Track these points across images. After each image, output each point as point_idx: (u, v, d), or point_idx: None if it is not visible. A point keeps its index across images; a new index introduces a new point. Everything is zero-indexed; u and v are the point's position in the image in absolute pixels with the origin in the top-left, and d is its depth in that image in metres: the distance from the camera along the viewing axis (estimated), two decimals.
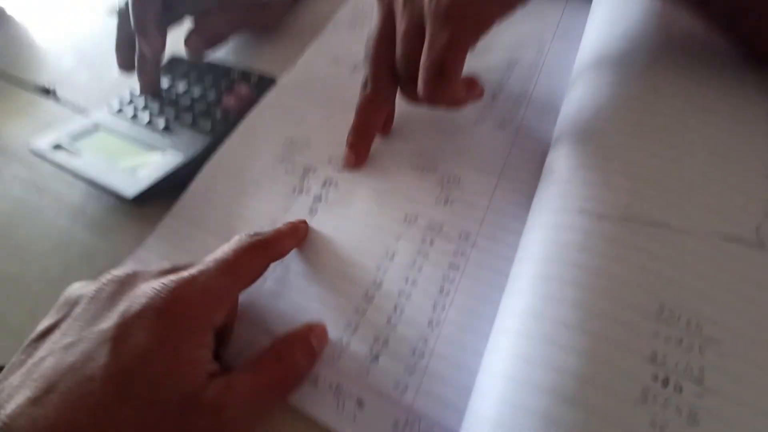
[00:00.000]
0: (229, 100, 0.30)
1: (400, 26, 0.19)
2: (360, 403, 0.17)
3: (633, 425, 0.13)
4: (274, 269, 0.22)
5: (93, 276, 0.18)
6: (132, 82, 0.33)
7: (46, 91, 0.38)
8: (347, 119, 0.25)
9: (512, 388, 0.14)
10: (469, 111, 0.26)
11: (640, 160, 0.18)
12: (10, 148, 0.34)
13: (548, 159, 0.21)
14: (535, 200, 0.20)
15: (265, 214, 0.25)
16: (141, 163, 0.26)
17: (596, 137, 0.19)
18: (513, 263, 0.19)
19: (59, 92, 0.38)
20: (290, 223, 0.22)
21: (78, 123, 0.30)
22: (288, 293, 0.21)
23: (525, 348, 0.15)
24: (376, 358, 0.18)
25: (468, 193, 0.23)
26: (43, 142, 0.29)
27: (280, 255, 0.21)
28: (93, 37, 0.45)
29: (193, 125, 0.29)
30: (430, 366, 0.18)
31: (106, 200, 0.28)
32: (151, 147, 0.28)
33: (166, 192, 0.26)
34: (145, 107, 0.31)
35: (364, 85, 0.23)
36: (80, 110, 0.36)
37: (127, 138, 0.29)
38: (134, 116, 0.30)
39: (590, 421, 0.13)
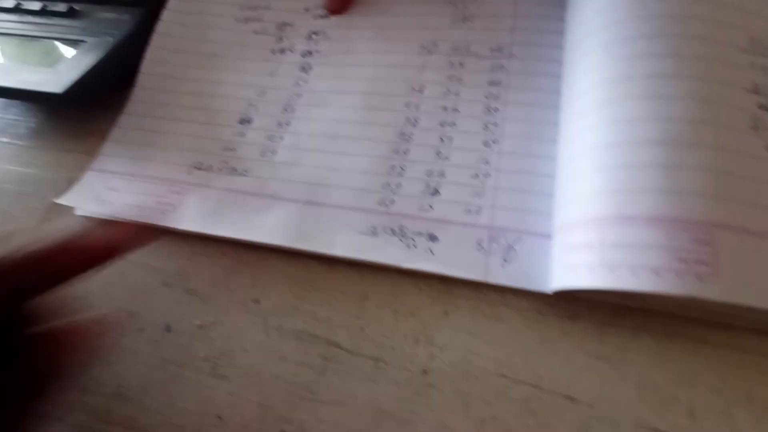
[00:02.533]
0: None
1: None
2: (432, 238, 0.15)
3: (750, 151, 0.12)
4: (282, 137, 0.18)
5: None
6: None
7: None
8: None
9: (621, 152, 0.12)
10: None
11: None
12: None
13: None
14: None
15: (248, 86, 0.20)
16: (55, 61, 0.20)
17: None
18: (565, 53, 0.16)
19: None
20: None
21: None
22: (304, 159, 0.17)
23: (624, 109, 0.13)
24: (435, 191, 0.16)
25: (486, 3, 0.19)
26: None
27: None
28: None
29: (108, 1, 0.22)
30: (500, 183, 0.15)
31: (28, 114, 0.22)
32: (61, 40, 0.21)
33: (102, 90, 0.20)
34: None
35: None
36: None
37: (19, 38, 0.21)
38: (17, 7, 0.22)
39: (712, 156, 0.12)
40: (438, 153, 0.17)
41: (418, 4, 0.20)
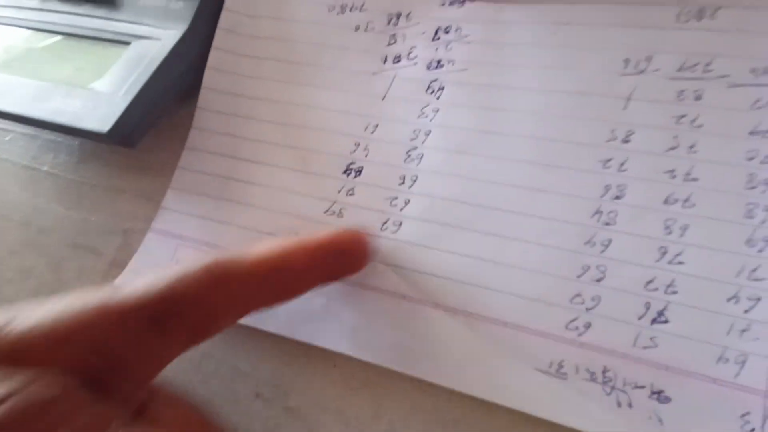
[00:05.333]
0: None
1: None
2: (659, 396, 0.10)
3: None
4: (407, 201, 0.13)
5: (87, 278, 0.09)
6: None
7: None
8: None
9: None
10: None
11: None
12: None
13: None
14: None
15: (351, 115, 0.14)
16: (92, 76, 0.15)
17: None
18: None
19: None
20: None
21: None
22: (442, 239, 0.12)
23: None
24: (660, 316, 0.10)
25: None
26: None
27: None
28: None
29: None
30: (756, 313, 0.10)
31: (64, 148, 0.17)
32: (97, 41, 0.15)
33: (157, 113, 0.15)
34: None
35: None
36: None
37: (43, 34, 0.16)
38: None
39: None
40: (663, 251, 0.11)
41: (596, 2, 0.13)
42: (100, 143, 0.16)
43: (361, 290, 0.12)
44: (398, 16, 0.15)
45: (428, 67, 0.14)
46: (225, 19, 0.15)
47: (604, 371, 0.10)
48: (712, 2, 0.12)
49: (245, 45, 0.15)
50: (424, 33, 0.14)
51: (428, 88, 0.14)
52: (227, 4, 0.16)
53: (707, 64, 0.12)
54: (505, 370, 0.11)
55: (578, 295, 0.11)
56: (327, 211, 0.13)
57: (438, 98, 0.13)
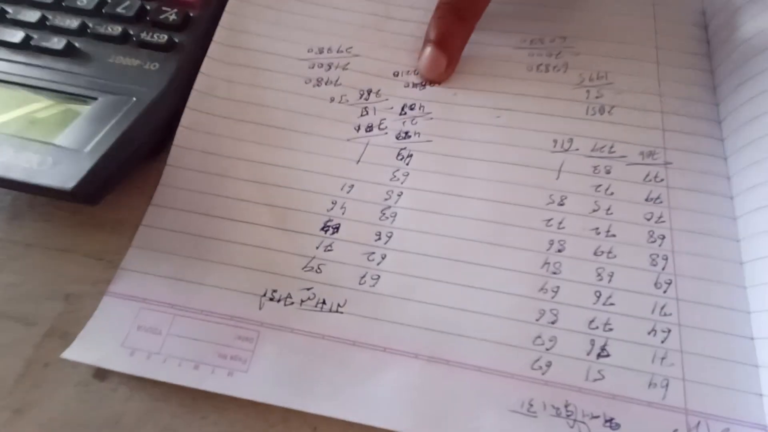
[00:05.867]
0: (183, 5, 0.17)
1: None
2: (611, 423, 0.11)
3: None
4: (384, 256, 0.14)
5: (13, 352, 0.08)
6: None
7: None
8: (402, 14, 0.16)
9: None
10: None
11: None
12: None
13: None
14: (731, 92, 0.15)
15: (328, 176, 0.15)
16: (55, 130, 0.14)
17: None
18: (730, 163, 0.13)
19: None
20: None
21: None
22: (417, 290, 0.13)
23: None
24: (603, 351, 0.12)
25: (625, 92, 0.16)
26: None
27: None
28: None
29: (127, 40, 0.16)
30: (686, 344, 0.12)
31: (16, 208, 0.16)
32: (58, 93, 0.15)
33: (122, 172, 0.14)
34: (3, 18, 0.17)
35: None
36: None
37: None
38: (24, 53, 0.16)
39: None
40: (597, 294, 0.13)
41: (538, 83, 0.16)
42: (39, 199, 0.15)
43: (344, 346, 0.12)
44: (369, 92, 0.17)
45: (397, 137, 0.16)
46: (201, 82, 0.16)
47: (566, 405, 0.12)
48: (609, 101, 0.16)
49: (221, 107, 0.16)
50: (392, 108, 0.16)
51: (398, 155, 0.15)
52: (204, 69, 0.16)
53: (611, 147, 0.15)
54: (484, 414, 0.11)
55: (539, 336, 0.12)
56: (305, 267, 0.14)
57: (407, 164, 0.15)
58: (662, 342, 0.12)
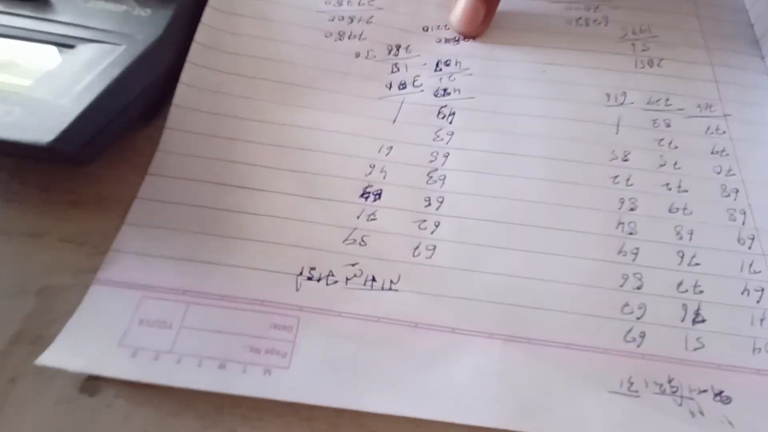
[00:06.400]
0: None
1: None
2: (722, 397, 0.10)
3: None
4: (437, 224, 0.12)
5: None
6: None
7: None
8: None
9: None
10: None
11: None
12: None
13: None
14: None
15: (362, 137, 0.13)
16: (25, 74, 0.11)
17: None
18: None
19: None
20: None
21: None
22: (482, 261, 0.11)
23: None
24: (697, 315, 0.11)
25: (672, 45, 0.15)
26: None
27: None
28: None
29: None
30: None
31: None
32: (33, 40, 0.12)
33: (110, 134, 0.11)
34: None
35: None
36: None
37: None
38: None
39: None
40: (680, 254, 0.11)
41: (581, 37, 0.15)
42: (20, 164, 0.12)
43: (404, 329, 0.10)
44: (398, 47, 0.15)
45: (435, 95, 0.14)
46: (203, 33, 0.14)
47: (670, 381, 0.10)
48: (657, 54, 0.15)
49: (228, 62, 0.14)
50: (425, 64, 0.14)
51: (439, 113, 0.14)
52: (205, 19, 0.14)
53: (667, 100, 0.14)
54: (581, 398, 0.10)
55: (626, 304, 0.11)
56: (346, 240, 0.11)
57: (450, 122, 0.13)
58: (757, 302, 0.11)
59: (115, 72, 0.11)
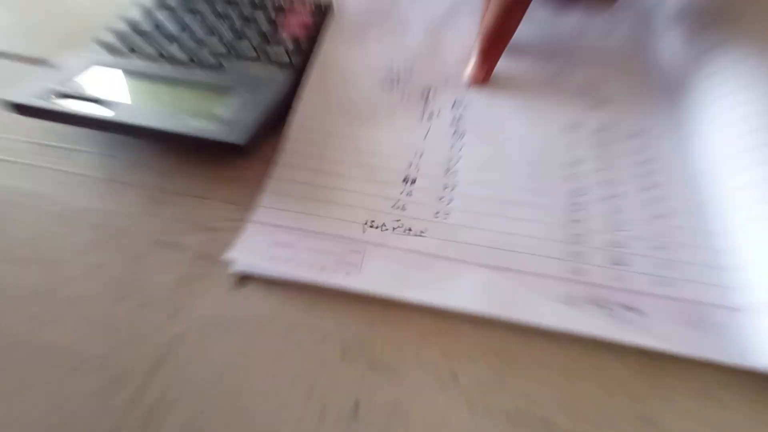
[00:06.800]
0: (292, 27, 0.24)
1: None
2: (634, 309, 0.15)
3: None
4: (451, 199, 0.18)
5: (169, 271, 0.13)
6: (119, 8, 0.24)
7: None
8: (450, 40, 0.23)
9: None
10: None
11: None
12: None
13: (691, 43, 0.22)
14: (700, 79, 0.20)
15: (404, 146, 0.20)
16: (212, 110, 0.19)
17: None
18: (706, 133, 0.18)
19: None
20: None
21: (72, 66, 0.21)
22: (479, 222, 0.18)
23: None
24: (623, 262, 0.16)
25: (618, 92, 0.22)
26: (27, 93, 0.19)
27: None
28: None
29: (257, 58, 0.22)
30: (681, 256, 0.16)
31: (143, 164, 0.20)
32: (212, 87, 0.20)
33: (258, 141, 0.19)
34: (166, 39, 0.23)
35: None
36: (33, 60, 0.25)
37: (165, 80, 0.21)
38: (156, 53, 0.22)
39: None
40: (614, 224, 0.17)
41: (551, 88, 0.22)
42: (188, 162, 0.20)
43: (431, 258, 0.17)
44: (428, 92, 0.22)
45: (451, 123, 0.21)
46: (308, 82, 0.22)
47: (598, 298, 0.16)
48: (605, 97, 0.22)
49: (324, 100, 0.22)
50: (446, 102, 0.22)
51: (454, 133, 0.21)
52: (310, 74, 0.22)
53: (609, 129, 0.20)
54: (540, 303, 0.15)
55: (575, 253, 0.17)
56: (393, 206, 0.18)
57: (461, 139, 0.20)
58: (665, 255, 0.17)
59: (262, 105, 0.19)
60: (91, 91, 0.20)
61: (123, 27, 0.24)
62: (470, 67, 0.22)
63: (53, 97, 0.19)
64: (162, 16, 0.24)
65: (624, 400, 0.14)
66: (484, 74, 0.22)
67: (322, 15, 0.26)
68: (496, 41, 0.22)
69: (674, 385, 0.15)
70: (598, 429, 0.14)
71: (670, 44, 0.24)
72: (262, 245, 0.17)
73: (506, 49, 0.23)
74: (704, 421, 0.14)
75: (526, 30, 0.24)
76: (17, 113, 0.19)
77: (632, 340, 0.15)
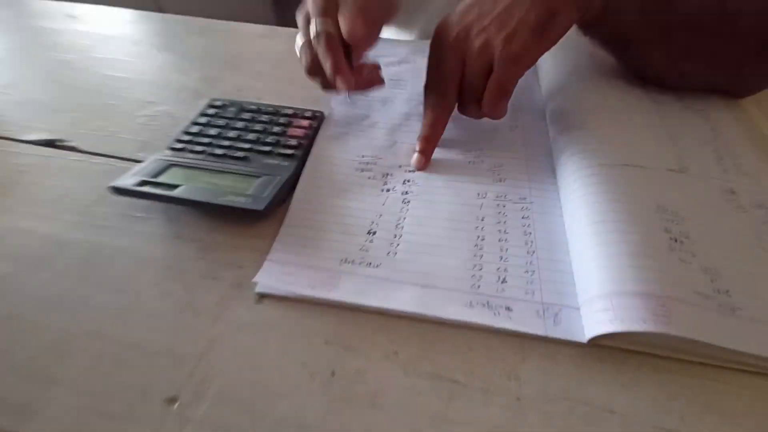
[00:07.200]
0: (296, 131, 0.36)
1: (474, 65, 0.30)
2: (509, 309, 0.24)
3: (670, 258, 0.24)
4: (399, 244, 0.28)
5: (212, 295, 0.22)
6: (170, 120, 0.36)
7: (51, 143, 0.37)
8: (403, 138, 0.35)
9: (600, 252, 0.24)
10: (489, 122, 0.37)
11: (611, 132, 0.31)
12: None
13: (554, 143, 0.33)
14: (558, 165, 0.32)
15: (370, 211, 0.31)
16: (243, 189, 0.30)
17: (582, 125, 0.32)
18: (562, 200, 0.29)
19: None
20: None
21: (149, 163, 0.32)
22: (417, 258, 0.27)
23: (593, 236, 0.25)
24: (505, 280, 0.26)
25: (512, 172, 0.33)
26: (122, 181, 0.29)
27: None
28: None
29: (271, 153, 0.33)
30: (542, 276, 0.26)
31: (195, 225, 0.30)
32: (241, 174, 0.31)
33: (273, 207, 0.30)
34: (210, 143, 0.34)
35: (435, 103, 0.32)
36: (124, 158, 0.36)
37: (210, 170, 0.32)
38: (208, 151, 0.33)
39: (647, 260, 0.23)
40: (501, 257, 0.27)
41: (470, 169, 0.34)
42: (226, 223, 0.30)
43: (384, 281, 0.26)
44: (387, 174, 0.33)
45: (402, 194, 0.32)
46: (306, 171, 0.33)
47: (488, 302, 0.25)
48: (504, 176, 0.33)
49: (317, 179, 0.33)
50: (399, 180, 0.33)
51: (403, 200, 0.31)
52: (307, 164, 0.33)
53: (505, 196, 0.31)
54: (451, 306, 0.24)
55: (473, 275, 0.26)
56: (360, 249, 0.28)
57: (407, 205, 0.31)
58: (530, 276, 0.26)
59: (276, 185, 0.30)
60: (162, 179, 0.30)
61: (182, 136, 0.35)
62: (414, 159, 0.34)
63: (138, 183, 0.30)
64: (205, 127, 0.36)
65: (502, 365, 0.23)
66: (424, 162, 0.33)
67: (317, 121, 0.38)
68: (430, 140, 0.33)
69: (530, 351, 0.23)
70: (484, 382, 0.22)
71: (550, 138, 0.36)
72: (276, 275, 0.26)
73: (439, 143, 0.34)
74: (547, 371, 0.22)
75: (453, 129, 0.36)
76: (115, 194, 0.30)
77: (505, 327, 0.23)
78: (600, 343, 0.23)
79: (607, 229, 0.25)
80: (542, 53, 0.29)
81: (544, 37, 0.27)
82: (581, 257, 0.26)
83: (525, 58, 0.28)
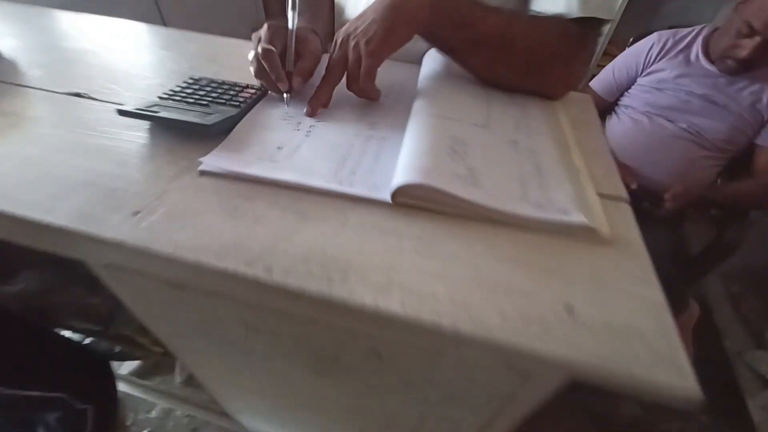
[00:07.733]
0: (245, 94, 0.53)
1: (351, 58, 0.48)
2: (351, 185, 0.40)
3: (445, 158, 0.41)
4: (300, 150, 0.45)
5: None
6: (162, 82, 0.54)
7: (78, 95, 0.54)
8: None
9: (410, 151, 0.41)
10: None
11: (444, 101, 0.50)
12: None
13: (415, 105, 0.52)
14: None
15: (283, 138, 0.48)
16: (205, 116, 0.46)
17: (429, 96, 0.51)
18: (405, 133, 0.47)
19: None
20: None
21: (144, 102, 0.49)
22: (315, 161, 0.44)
23: (406, 147, 0.42)
24: (354, 173, 0.42)
25: (381, 124, 0.51)
26: (127, 108, 0.46)
27: None
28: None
29: (225, 103, 0.51)
30: (379, 173, 0.42)
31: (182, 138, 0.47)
32: (203, 112, 0.48)
33: (219, 133, 0.46)
34: (185, 97, 0.51)
35: (325, 79, 0.51)
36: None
37: (182, 109, 0.49)
38: (183, 100, 0.50)
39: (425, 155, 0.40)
40: (357, 162, 0.44)
41: (350, 121, 0.51)
42: (189, 139, 0.46)
43: (280, 168, 0.42)
44: (300, 122, 0.51)
45: (305, 133, 0.49)
46: (246, 118, 0.50)
47: (339, 182, 0.41)
48: (374, 121, 0.50)
49: (251, 124, 0.50)
50: (307, 125, 0.50)
51: (305, 134, 0.48)
52: (247, 116, 0.51)
53: (375, 122, 0.49)
54: (315, 178, 0.41)
55: (335, 171, 0.43)
56: (278, 148, 0.44)
57: (308, 136, 0.48)
58: (372, 173, 0.43)
59: (223, 117, 0.47)
60: (150, 109, 0.47)
61: (167, 92, 0.52)
62: (305, 109, 0.51)
63: (136, 109, 0.46)
64: (184, 89, 0.54)
65: (339, 209, 0.39)
66: (311, 112, 0.51)
67: (262, 93, 0.56)
68: (319, 98, 0.51)
69: (358, 204, 0.39)
70: (323, 216, 0.38)
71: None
72: (214, 161, 0.42)
73: (341, 113, 0.52)
74: (367, 213, 0.38)
75: (353, 107, 0.54)
76: (121, 115, 0.46)
77: (347, 191, 0.40)
78: (399, 202, 0.39)
79: (417, 145, 0.43)
80: (391, 52, 0.48)
81: (389, 42, 0.47)
82: (400, 158, 0.43)
83: (378, 54, 0.47)
